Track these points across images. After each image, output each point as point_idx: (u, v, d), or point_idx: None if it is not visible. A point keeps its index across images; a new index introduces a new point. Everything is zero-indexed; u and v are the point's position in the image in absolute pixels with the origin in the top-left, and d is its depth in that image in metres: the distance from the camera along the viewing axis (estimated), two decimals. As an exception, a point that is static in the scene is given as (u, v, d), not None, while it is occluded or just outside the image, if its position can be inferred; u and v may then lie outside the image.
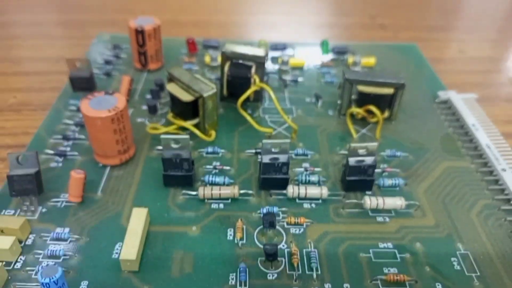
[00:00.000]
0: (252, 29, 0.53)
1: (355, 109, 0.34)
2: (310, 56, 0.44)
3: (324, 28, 0.54)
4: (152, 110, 0.34)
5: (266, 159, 0.28)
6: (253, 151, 0.32)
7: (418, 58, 0.45)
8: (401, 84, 0.33)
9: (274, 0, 0.61)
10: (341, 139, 0.33)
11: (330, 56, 0.44)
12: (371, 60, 0.42)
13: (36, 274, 0.23)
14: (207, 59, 0.42)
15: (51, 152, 0.31)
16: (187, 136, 0.27)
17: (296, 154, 0.32)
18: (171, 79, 0.33)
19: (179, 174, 0.28)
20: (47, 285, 0.20)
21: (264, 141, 0.27)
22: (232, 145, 0.32)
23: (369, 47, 0.46)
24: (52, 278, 0.20)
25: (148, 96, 0.37)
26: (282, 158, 0.28)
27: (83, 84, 0.35)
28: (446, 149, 0.33)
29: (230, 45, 0.35)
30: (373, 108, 0.33)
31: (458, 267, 0.25)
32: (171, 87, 0.32)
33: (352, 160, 0.28)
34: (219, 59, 0.38)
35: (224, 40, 0.44)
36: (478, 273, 0.24)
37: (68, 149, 0.31)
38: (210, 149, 0.32)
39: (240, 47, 0.34)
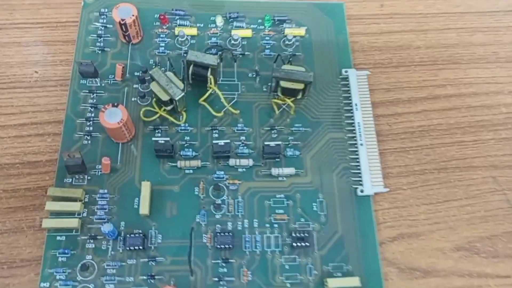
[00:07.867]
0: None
1: (276, 100, 0.51)
2: (255, 26, 0.56)
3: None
4: (142, 97, 0.50)
5: (217, 144, 0.47)
6: (209, 128, 0.50)
7: (341, 21, 0.58)
8: (310, 82, 0.49)
9: None
10: (268, 115, 0.51)
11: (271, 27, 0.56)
12: (301, 32, 0.56)
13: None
14: (176, 31, 0.54)
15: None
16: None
17: (237, 130, 0.50)
18: (153, 78, 0.48)
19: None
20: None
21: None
22: (197, 122, 0.50)
23: (303, 8, 0.58)
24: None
25: (136, 86, 0.52)
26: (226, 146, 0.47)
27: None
28: (333, 123, 0.51)
29: (192, 52, 0.48)
30: (287, 99, 0.50)
31: (315, 208, 0.47)
32: (154, 86, 0.48)
33: (267, 143, 0.47)
34: (185, 30, 0.53)
35: (187, 7, 0.56)
36: (325, 212, 0.47)
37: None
38: (182, 127, 0.50)
39: (200, 55, 0.48)
